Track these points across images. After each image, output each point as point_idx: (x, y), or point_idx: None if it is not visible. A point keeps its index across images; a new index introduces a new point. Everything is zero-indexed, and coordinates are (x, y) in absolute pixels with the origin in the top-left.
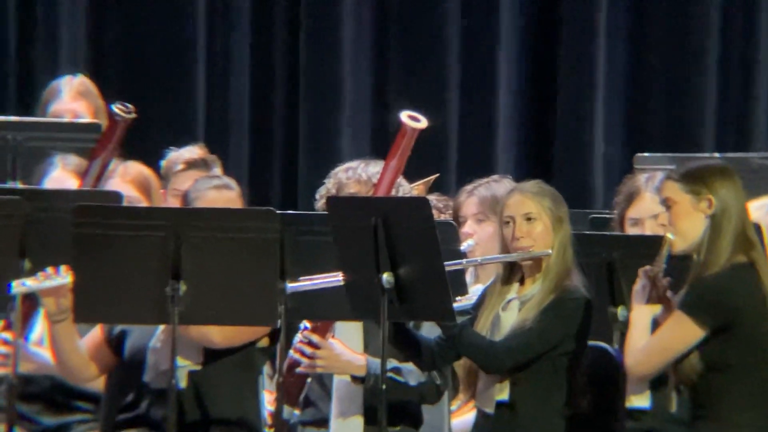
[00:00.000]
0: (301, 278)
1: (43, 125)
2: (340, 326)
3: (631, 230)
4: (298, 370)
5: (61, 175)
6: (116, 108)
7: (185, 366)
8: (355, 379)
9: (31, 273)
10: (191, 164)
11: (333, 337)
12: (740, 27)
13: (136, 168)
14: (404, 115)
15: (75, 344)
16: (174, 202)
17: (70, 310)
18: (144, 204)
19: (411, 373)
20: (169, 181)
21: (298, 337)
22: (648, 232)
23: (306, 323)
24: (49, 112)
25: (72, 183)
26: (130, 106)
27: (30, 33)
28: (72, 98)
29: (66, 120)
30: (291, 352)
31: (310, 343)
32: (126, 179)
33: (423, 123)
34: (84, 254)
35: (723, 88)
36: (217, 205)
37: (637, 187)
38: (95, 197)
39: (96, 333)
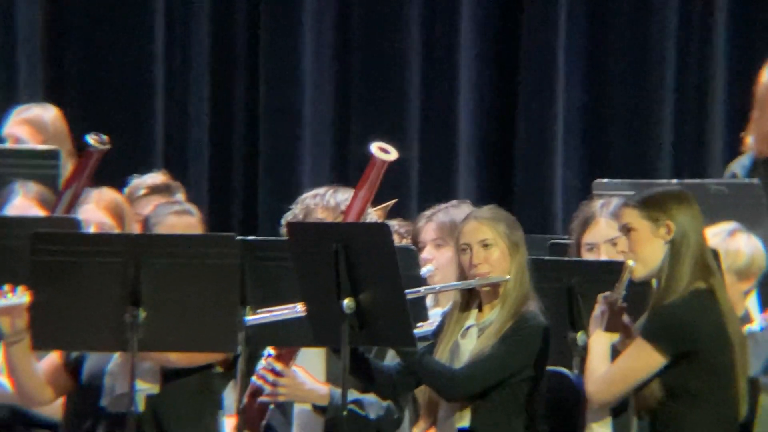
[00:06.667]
0: (260, 310)
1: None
2: (303, 353)
3: (587, 255)
4: (260, 399)
5: (23, 202)
6: (91, 138)
7: (143, 389)
8: (316, 408)
9: None
10: (154, 189)
11: (295, 364)
12: (696, 55)
13: (110, 195)
14: (374, 147)
15: (31, 367)
16: (137, 228)
17: (26, 331)
18: (117, 231)
19: (372, 406)
20: (132, 206)
21: (261, 363)
22: (603, 257)
23: (270, 350)
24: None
25: (34, 210)
26: (104, 137)
27: None
28: (16, 123)
29: (25, 147)
30: (254, 378)
31: (273, 371)
32: (100, 206)
33: (393, 155)
34: (42, 281)
35: (679, 115)
36: (177, 231)
37: (592, 212)
38: (53, 224)
39: (53, 356)
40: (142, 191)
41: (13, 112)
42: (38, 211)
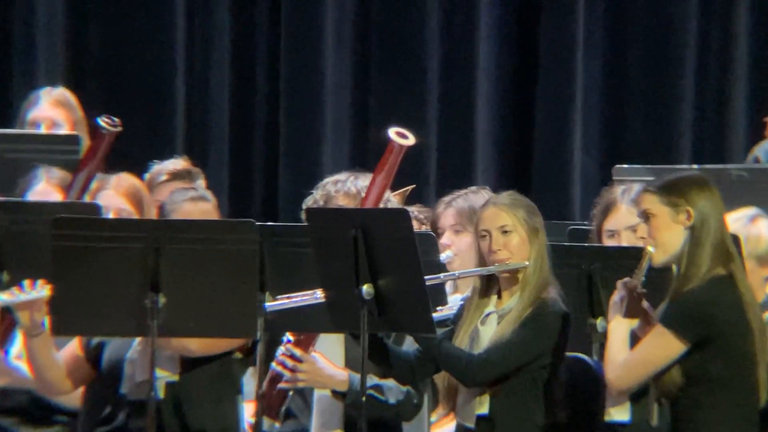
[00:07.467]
0: (279, 296)
1: (20, 137)
2: (322, 339)
3: (608, 242)
4: (280, 385)
5: (45, 188)
6: (102, 121)
7: (162, 377)
8: (335, 393)
9: (9, 286)
10: (175, 175)
11: (314, 350)
12: (717, 38)
13: (129, 180)
14: (392, 132)
15: (52, 358)
16: (156, 214)
17: (47, 323)
18: (136, 217)
19: (391, 391)
20: (152, 192)
21: (281, 349)
22: (624, 243)
23: (289, 336)
24: (27, 119)
25: (56, 196)
26: (116, 119)
27: (6, 46)
28: (51, 106)
29: (43, 132)
30: (273, 364)
31: (293, 357)
32: (119, 192)
33: (411, 140)
34: (62, 266)
35: (700, 99)
36: (193, 217)
37: (614, 199)
38: (73, 209)
39: (73, 346)
40: (163, 177)
41: (42, 94)
42: (60, 197)
